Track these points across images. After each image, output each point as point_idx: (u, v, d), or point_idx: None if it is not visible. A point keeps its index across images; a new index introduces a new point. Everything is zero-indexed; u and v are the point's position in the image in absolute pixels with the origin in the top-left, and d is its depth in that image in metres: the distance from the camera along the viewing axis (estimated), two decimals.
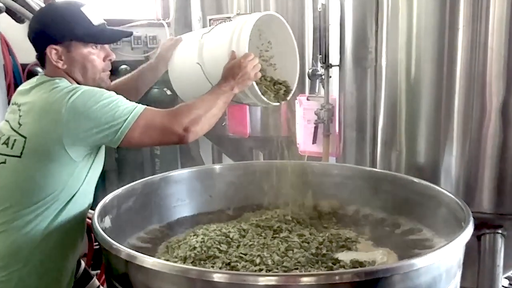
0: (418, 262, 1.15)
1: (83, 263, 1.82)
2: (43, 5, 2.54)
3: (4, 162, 1.40)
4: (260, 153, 3.12)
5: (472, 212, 1.40)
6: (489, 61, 1.68)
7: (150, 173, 3.61)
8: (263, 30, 1.81)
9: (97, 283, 1.86)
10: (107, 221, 1.51)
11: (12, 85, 3.25)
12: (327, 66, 2.28)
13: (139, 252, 1.22)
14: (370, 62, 1.94)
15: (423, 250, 1.51)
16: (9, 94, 3.14)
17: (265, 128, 2.95)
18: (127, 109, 1.37)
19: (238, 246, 1.53)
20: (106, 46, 1.55)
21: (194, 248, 1.49)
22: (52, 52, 1.44)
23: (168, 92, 3.68)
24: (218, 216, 1.89)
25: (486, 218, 1.74)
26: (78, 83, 1.48)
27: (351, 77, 2.09)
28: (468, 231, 1.30)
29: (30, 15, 2.70)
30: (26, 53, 3.41)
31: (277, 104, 1.70)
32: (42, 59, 1.50)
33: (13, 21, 2.73)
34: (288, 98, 1.75)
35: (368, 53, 1.94)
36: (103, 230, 1.33)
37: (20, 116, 1.41)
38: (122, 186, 1.70)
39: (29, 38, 1.50)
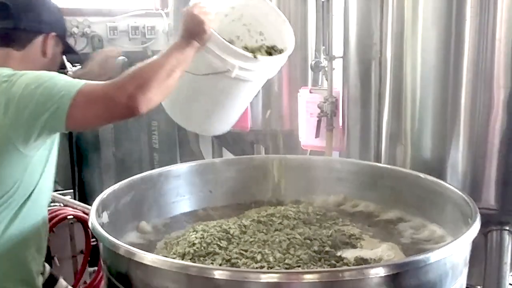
0: (424, 259, 1.13)
1: (47, 266, 1.72)
2: None
3: None
4: (261, 147, 3.09)
5: (478, 209, 1.37)
6: (497, 53, 1.65)
7: (149, 168, 3.59)
8: (251, 24, 1.74)
9: (64, 283, 1.73)
10: (105, 217, 1.48)
11: None
12: (331, 58, 2.25)
13: (137, 248, 1.19)
14: (375, 54, 1.91)
15: (429, 246, 1.49)
16: None
17: (266, 121, 2.92)
18: (64, 86, 1.23)
19: (238, 243, 1.50)
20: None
21: (193, 244, 1.46)
22: (50, 40, 1.42)
23: None
24: (218, 211, 1.86)
25: (493, 215, 1.71)
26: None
27: (355, 69, 2.06)
28: (475, 228, 1.27)
29: None
30: None
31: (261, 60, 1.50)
32: (19, 39, 1.38)
33: None
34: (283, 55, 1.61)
35: (373, 45, 1.91)
36: (101, 226, 1.30)
37: None
38: (120, 181, 1.67)
39: (15, 7, 1.37)
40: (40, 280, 1.48)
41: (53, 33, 1.42)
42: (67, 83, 1.25)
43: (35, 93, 1.22)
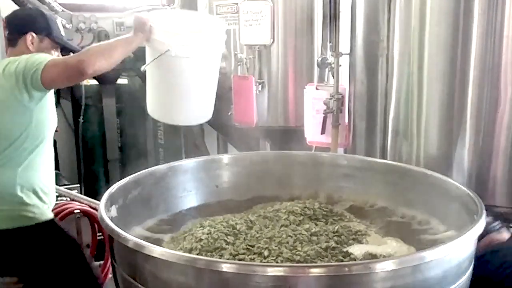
0: (429, 255, 1.13)
1: None
2: None
3: None
4: (267, 143, 3.09)
5: (484, 206, 1.38)
6: (505, 50, 1.65)
7: (154, 163, 3.60)
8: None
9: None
10: (114, 211, 1.50)
11: None
12: (337, 54, 2.25)
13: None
14: (382, 51, 1.91)
15: (434, 242, 1.49)
16: None
17: (272, 117, 2.92)
18: (43, 58, 1.77)
19: (245, 238, 1.50)
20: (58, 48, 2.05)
21: (201, 240, 1.47)
22: (29, 38, 1.94)
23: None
24: (224, 206, 1.87)
25: (499, 212, 1.71)
26: None
27: (362, 66, 2.06)
28: (481, 225, 1.27)
29: (33, 0, 2.69)
30: None
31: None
32: (14, 40, 1.96)
33: (15, 6, 2.72)
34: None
35: (380, 41, 1.91)
36: (110, 220, 1.31)
37: None
38: (126, 175, 1.68)
39: (12, 21, 2.01)
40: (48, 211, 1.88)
41: (31, 32, 1.94)
42: (47, 57, 1.79)
43: (26, 62, 1.77)
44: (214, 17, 2.06)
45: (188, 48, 1.79)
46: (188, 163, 1.96)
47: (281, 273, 1.07)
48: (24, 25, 1.97)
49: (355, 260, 1.36)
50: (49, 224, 1.86)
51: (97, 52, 1.75)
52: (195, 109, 2.00)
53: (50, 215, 1.89)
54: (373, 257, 1.38)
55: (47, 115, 1.85)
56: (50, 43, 1.99)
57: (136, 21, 1.87)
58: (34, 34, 1.94)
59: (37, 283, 1.87)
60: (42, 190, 1.85)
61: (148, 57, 1.89)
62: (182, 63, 1.83)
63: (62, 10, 3.50)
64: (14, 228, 1.78)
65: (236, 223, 1.59)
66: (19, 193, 1.78)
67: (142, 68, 1.89)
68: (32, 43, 1.94)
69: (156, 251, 1.15)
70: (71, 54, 1.95)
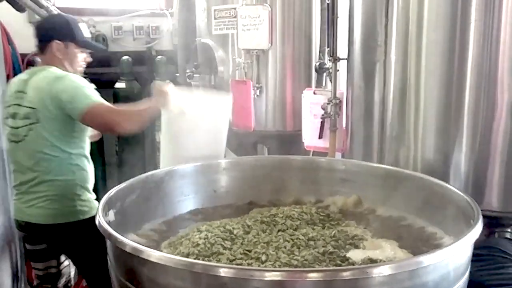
0: (426, 260, 1.13)
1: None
2: None
3: (32, 130, 2.06)
4: (265, 147, 3.10)
5: (481, 211, 1.38)
6: (501, 56, 1.65)
7: (152, 167, 3.60)
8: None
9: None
10: (111, 215, 1.50)
11: (12, 75, 3.23)
12: (335, 59, 2.26)
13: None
14: (379, 56, 1.92)
15: (431, 247, 1.50)
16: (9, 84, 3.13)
17: (270, 122, 2.93)
18: (89, 97, 2.03)
19: (242, 243, 1.50)
20: (86, 51, 2.30)
21: (198, 244, 1.47)
22: (55, 45, 2.16)
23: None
24: (222, 211, 1.87)
25: (496, 217, 1.71)
26: (66, 71, 2.15)
27: (360, 71, 2.06)
28: (477, 229, 1.27)
29: (31, 4, 2.69)
30: (26, 43, 3.40)
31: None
32: (43, 48, 2.19)
33: (13, 9, 2.72)
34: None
35: (377, 47, 1.91)
36: (107, 224, 1.31)
37: (26, 95, 2.08)
38: (124, 179, 1.68)
39: (38, 30, 2.21)
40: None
41: (56, 40, 2.16)
42: (90, 96, 2.04)
43: (73, 95, 2.03)
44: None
45: (201, 109, 2.07)
46: (186, 168, 1.96)
47: (279, 278, 1.06)
48: (48, 33, 2.17)
49: (353, 264, 1.36)
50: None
51: (131, 119, 2.06)
52: (206, 156, 2.11)
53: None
54: (371, 261, 1.38)
55: (79, 126, 2.14)
56: (76, 48, 2.20)
57: (156, 89, 2.10)
58: (58, 41, 2.15)
59: (82, 267, 2.22)
60: (89, 187, 2.17)
61: (164, 119, 2.10)
62: (195, 122, 2.07)
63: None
64: (69, 222, 2.08)
65: (233, 228, 1.58)
66: (78, 191, 2.10)
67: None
68: (59, 50, 2.16)
69: (154, 255, 1.15)
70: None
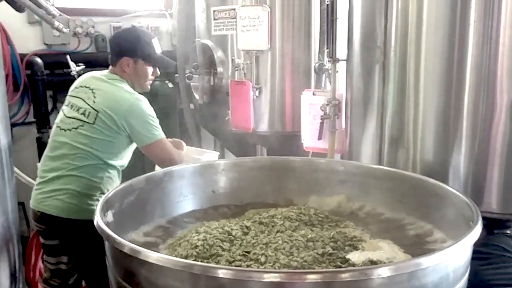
0: (425, 261, 1.13)
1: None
2: None
3: (83, 126, 2.16)
4: (264, 148, 3.10)
5: (480, 212, 1.38)
6: (500, 57, 1.65)
7: (151, 168, 3.59)
8: None
9: None
10: (110, 216, 1.49)
11: (11, 75, 3.22)
12: (334, 60, 2.26)
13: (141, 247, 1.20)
14: (379, 57, 1.92)
15: (430, 249, 1.49)
16: (8, 84, 3.11)
17: (269, 123, 2.93)
18: (156, 132, 2.21)
19: (241, 244, 1.50)
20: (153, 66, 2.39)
21: (196, 246, 1.46)
22: (125, 61, 2.28)
23: (170, 85, 3.66)
24: (221, 212, 1.87)
25: (495, 218, 1.71)
26: (132, 86, 2.31)
27: (359, 72, 2.06)
28: (477, 231, 1.27)
29: (31, 4, 2.68)
30: (24, 43, 3.40)
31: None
32: (114, 61, 2.32)
33: (12, 9, 2.71)
34: None
35: (377, 48, 1.91)
36: (106, 225, 1.31)
37: (94, 96, 2.18)
38: (122, 180, 1.68)
39: (112, 43, 2.42)
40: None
41: (126, 57, 2.29)
42: (158, 130, 2.24)
43: (142, 125, 2.20)
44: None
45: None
46: (185, 168, 1.96)
47: (278, 279, 1.06)
48: (119, 48, 2.30)
49: (353, 266, 1.35)
50: None
51: (181, 161, 2.26)
52: None
53: None
54: (371, 263, 1.37)
55: (130, 145, 2.31)
56: (145, 64, 2.30)
57: (175, 143, 2.43)
58: (128, 58, 2.26)
59: (86, 267, 2.26)
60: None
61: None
62: None
63: (60, 14, 3.49)
64: (85, 219, 2.11)
65: (232, 229, 1.58)
66: (98, 194, 2.18)
67: None
68: (128, 66, 2.28)
69: (152, 256, 1.15)
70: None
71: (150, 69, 2.34)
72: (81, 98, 2.22)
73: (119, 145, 2.20)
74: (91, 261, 2.17)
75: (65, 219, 2.13)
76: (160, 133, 2.20)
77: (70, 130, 2.17)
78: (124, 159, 2.30)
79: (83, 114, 2.17)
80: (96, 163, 2.17)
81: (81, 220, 2.13)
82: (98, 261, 2.07)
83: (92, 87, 2.23)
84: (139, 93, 2.35)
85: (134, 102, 2.17)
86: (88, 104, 2.18)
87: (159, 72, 2.41)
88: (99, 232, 1.30)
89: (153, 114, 2.22)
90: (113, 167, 2.25)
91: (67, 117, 2.21)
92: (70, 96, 2.28)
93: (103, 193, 2.12)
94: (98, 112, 2.15)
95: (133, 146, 2.29)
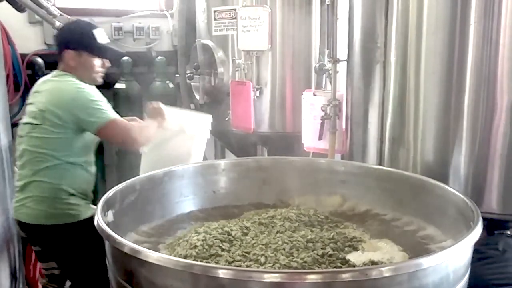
0: (426, 262, 1.14)
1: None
2: None
3: (34, 129, 2.09)
4: (264, 148, 3.10)
5: (480, 212, 1.38)
6: (501, 58, 1.65)
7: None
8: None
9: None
10: (110, 216, 1.49)
11: (11, 75, 3.22)
12: (335, 61, 2.26)
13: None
14: (379, 58, 1.92)
15: (430, 249, 1.49)
16: (8, 84, 3.11)
17: (270, 123, 2.93)
18: (103, 115, 2.06)
19: (240, 245, 1.50)
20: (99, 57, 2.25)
21: (195, 246, 1.47)
22: (69, 55, 2.15)
23: (171, 85, 3.66)
24: (221, 212, 1.87)
25: (495, 219, 1.71)
26: (81, 79, 2.15)
27: (359, 73, 2.06)
28: (477, 232, 1.27)
29: (31, 4, 2.68)
30: (25, 43, 3.40)
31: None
32: (59, 56, 2.19)
33: (13, 9, 2.71)
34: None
35: (377, 48, 1.91)
36: (106, 224, 1.31)
37: (41, 97, 2.11)
38: (123, 180, 1.68)
39: (55, 38, 2.29)
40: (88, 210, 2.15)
41: (69, 50, 2.15)
42: (107, 111, 2.07)
43: (87, 108, 2.06)
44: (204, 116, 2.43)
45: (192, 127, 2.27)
46: (185, 168, 1.96)
47: (278, 279, 1.06)
48: (62, 42, 2.20)
49: (354, 266, 1.35)
50: (86, 222, 2.06)
51: (144, 135, 2.15)
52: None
53: (88, 213, 2.11)
54: (372, 263, 1.37)
55: (85, 138, 2.16)
56: (89, 56, 2.18)
57: (152, 111, 2.27)
58: (70, 51, 2.15)
59: (70, 271, 2.21)
60: (80, 193, 2.14)
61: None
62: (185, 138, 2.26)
63: (60, 14, 3.50)
64: (58, 224, 2.08)
65: (231, 230, 1.58)
66: (63, 196, 2.08)
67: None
68: (72, 59, 2.16)
69: (152, 256, 1.15)
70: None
71: (96, 61, 2.21)
72: (32, 104, 2.17)
73: (71, 141, 2.10)
74: (74, 264, 2.15)
75: (37, 226, 2.10)
76: (108, 115, 2.07)
77: (25, 136, 2.13)
78: (85, 156, 2.17)
79: (33, 117, 2.11)
80: (55, 164, 2.09)
81: (54, 225, 2.08)
82: (81, 264, 2.12)
83: (40, 90, 2.17)
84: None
85: (76, 92, 2.08)
86: (36, 107, 2.12)
87: (109, 64, 2.30)
88: (99, 232, 1.30)
89: (99, 97, 2.10)
90: (75, 165, 2.13)
91: (22, 124, 2.18)
92: (27, 104, 2.23)
93: (73, 195, 2.11)
94: (44, 111, 2.07)
95: (92, 139, 2.18)
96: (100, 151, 3.70)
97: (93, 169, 2.25)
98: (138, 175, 1.84)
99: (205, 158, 3.65)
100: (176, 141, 2.29)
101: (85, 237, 1.99)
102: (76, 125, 2.07)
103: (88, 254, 2.03)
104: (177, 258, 1.28)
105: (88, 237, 1.89)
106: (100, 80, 2.28)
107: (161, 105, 2.29)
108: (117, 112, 2.18)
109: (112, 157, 3.70)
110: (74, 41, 2.17)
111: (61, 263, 2.20)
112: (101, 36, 2.23)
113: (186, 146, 2.30)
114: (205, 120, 2.37)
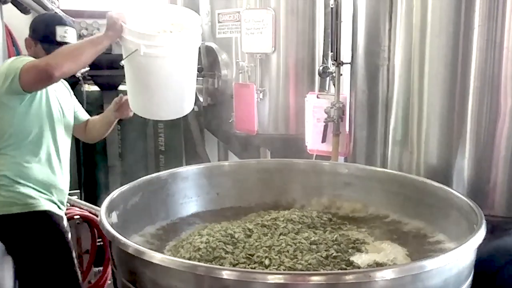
0: (430, 264, 1.14)
1: None
2: None
3: None
4: (267, 151, 3.10)
5: (484, 215, 1.38)
6: (504, 61, 1.66)
7: (154, 169, 3.60)
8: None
9: None
10: (114, 217, 1.50)
11: None
12: (339, 63, 2.26)
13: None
14: (383, 61, 1.92)
15: (434, 252, 1.49)
16: None
17: (273, 125, 2.93)
18: (20, 62, 1.83)
19: (244, 247, 1.50)
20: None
21: (199, 249, 1.47)
22: (28, 41, 2.06)
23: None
24: (225, 214, 1.87)
25: (498, 222, 1.71)
26: None
27: (363, 75, 2.06)
28: (481, 234, 1.28)
29: (36, 6, 2.70)
30: None
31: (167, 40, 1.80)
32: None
33: (17, 11, 2.73)
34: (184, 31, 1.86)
35: (381, 51, 1.92)
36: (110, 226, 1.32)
37: None
38: (126, 182, 1.68)
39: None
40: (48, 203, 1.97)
41: (29, 37, 2.05)
42: (24, 61, 1.85)
43: (8, 67, 1.87)
44: (190, 11, 1.94)
45: (158, 48, 1.76)
46: (189, 170, 1.96)
47: (282, 281, 1.07)
48: (29, 29, 2.11)
49: (358, 268, 1.35)
50: (41, 215, 1.93)
51: (65, 55, 1.79)
52: (173, 104, 1.95)
53: (46, 207, 1.95)
54: (377, 265, 1.37)
55: (34, 113, 1.93)
56: (42, 48, 2.02)
57: (108, 20, 1.83)
58: (30, 39, 2.07)
59: (24, 266, 1.98)
60: (36, 182, 1.93)
61: (124, 54, 1.84)
62: (153, 62, 1.81)
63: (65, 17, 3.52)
64: (11, 213, 1.90)
65: (234, 232, 1.58)
66: (14, 184, 1.90)
67: (121, 63, 1.88)
68: (28, 47, 2.07)
69: (157, 257, 1.16)
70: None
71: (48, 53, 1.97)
72: None
73: (11, 122, 1.89)
74: (22, 256, 1.97)
75: None
76: (22, 61, 1.83)
77: None
78: (37, 147, 1.95)
79: None
80: None
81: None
82: (30, 256, 1.93)
83: None
84: None
85: (7, 62, 1.91)
86: None
87: None
88: (104, 233, 1.31)
89: (20, 63, 1.85)
90: (22, 155, 1.92)
91: None
92: None
93: (19, 183, 1.92)
94: None
95: (41, 132, 1.95)
96: (103, 152, 3.72)
97: (61, 165, 2.04)
98: (144, 175, 1.81)
99: (208, 160, 3.67)
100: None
101: (35, 231, 1.90)
102: (8, 96, 1.84)
103: (40, 249, 1.91)
104: (182, 260, 1.28)
105: (39, 231, 1.87)
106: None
107: (123, 15, 1.84)
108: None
109: (115, 158, 3.72)
110: (35, 30, 2.08)
111: (14, 257, 2.03)
112: (63, 35, 2.03)
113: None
114: (191, 23, 1.90)
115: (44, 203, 1.96)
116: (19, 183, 1.93)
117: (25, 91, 1.84)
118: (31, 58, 1.90)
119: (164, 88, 1.88)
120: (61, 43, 1.98)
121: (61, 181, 2.05)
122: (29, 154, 1.95)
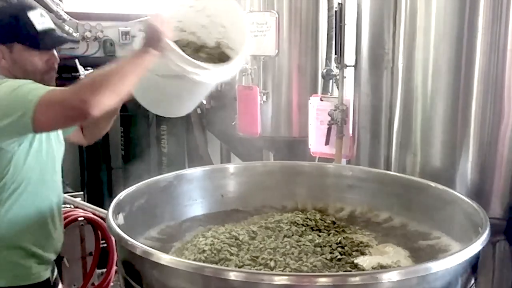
0: (434, 266, 1.14)
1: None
2: None
3: None
4: (271, 153, 3.11)
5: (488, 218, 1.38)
6: (508, 64, 1.66)
7: (157, 171, 3.62)
8: (214, 15, 1.71)
9: None
10: (121, 219, 1.50)
11: None
12: (342, 66, 2.27)
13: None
14: (387, 63, 1.93)
15: (438, 253, 1.50)
16: None
17: (276, 128, 2.94)
18: (29, 93, 1.36)
19: (248, 249, 1.50)
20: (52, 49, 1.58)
21: (203, 251, 1.47)
22: None
23: None
24: (229, 216, 1.87)
25: (501, 225, 1.71)
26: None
27: (367, 78, 2.07)
28: (485, 237, 1.28)
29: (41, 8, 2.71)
30: None
31: (213, 70, 1.56)
32: None
33: None
34: (233, 61, 1.63)
35: (385, 54, 1.93)
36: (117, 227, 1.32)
37: None
38: (129, 183, 1.68)
39: None
40: (43, 271, 1.62)
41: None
42: (32, 90, 1.37)
43: (5, 99, 1.38)
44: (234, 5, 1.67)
45: (200, 76, 1.52)
46: (194, 172, 1.97)
47: (288, 282, 1.07)
48: None
49: (363, 270, 1.36)
50: (41, 285, 1.59)
51: (103, 86, 1.31)
52: (186, 108, 1.86)
53: (44, 277, 1.61)
54: (381, 268, 1.38)
55: (30, 158, 1.51)
56: (24, 49, 1.52)
57: (147, 30, 1.41)
58: (1, 47, 1.53)
59: None
60: (31, 248, 1.55)
61: (160, 65, 1.51)
62: (195, 85, 1.60)
63: (69, 19, 3.54)
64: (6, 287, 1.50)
65: (239, 234, 1.58)
66: (4, 251, 1.50)
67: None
68: (2, 57, 1.53)
69: (164, 258, 1.16)
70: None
71: (36, 54, 1.53)
72: None
73: None
74: None
75: None
76: (31, 91, 1.37)
77: None
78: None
79: None
80: None
81: None
82: None
83: None
84: None
85: None
86: None
87: (57, 59, 1.60)
88: (112, 234, 1.32)
89: (17, 83, 1.41)
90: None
91: None
92: None
93: (11, 248, 1.51)
94: None
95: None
96: (106, 154, 3.73)
97: (49, 202, 1.60)
98: (147, 177, 1.82)
99: (211, 163, 3.68)
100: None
101: None
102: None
103: None
104: (189, 261, 1.29)
105: None
106: (52, 83, 1.57)
107: (165, 26, 1.42)
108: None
109: (118, 160, 3.73)
110: (1, 31, 1.52)
111: None
112: (40, 20, 1.55)
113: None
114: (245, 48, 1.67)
115: (41, 272, 1.60)
116: (24, 251, 1.53)
117: (35, 132, 1.40)
118: (37, 84, 1.42)
119: (184, 99, 1.75)
120: (44, 32, 1.54)
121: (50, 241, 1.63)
122: (23, 210, 1.53)
